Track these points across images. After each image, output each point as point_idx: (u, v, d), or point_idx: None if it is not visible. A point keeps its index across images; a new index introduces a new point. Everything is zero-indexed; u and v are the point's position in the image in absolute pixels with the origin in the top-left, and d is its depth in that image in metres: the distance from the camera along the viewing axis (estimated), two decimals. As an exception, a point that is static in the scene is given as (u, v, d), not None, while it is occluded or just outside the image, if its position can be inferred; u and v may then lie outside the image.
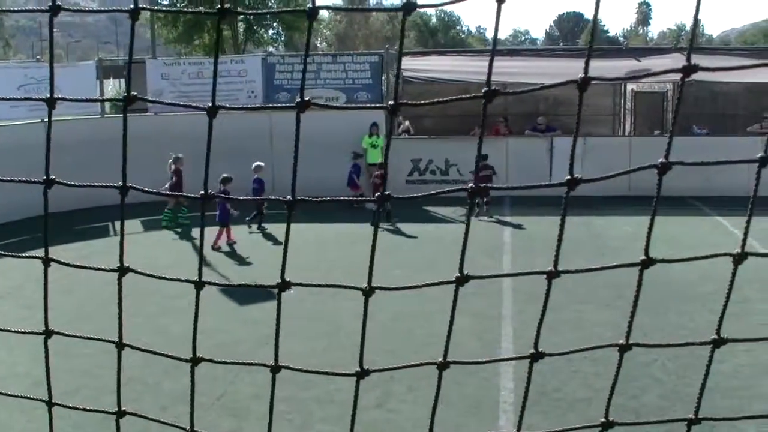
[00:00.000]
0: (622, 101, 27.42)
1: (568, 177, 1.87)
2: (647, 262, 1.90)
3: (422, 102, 2.10)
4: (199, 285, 2.21)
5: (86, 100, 2.45)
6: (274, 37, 55.51)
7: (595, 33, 1.94)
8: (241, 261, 16.38)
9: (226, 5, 2.02)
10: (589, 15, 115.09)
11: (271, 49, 52.25)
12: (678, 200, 18.59)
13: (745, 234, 1.86)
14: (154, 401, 9.16)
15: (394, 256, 15.71)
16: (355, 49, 71.69)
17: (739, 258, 1.84)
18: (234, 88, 23.10)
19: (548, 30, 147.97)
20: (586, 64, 1.83)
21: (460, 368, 9.85)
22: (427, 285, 2.18)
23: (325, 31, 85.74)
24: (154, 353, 2.40)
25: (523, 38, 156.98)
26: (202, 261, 2.38)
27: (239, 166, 19.02)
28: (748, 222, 1.88)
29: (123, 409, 2.41)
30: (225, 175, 16.89)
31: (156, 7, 38.44)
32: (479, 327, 11.78)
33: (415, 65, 25.35)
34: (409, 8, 1.89)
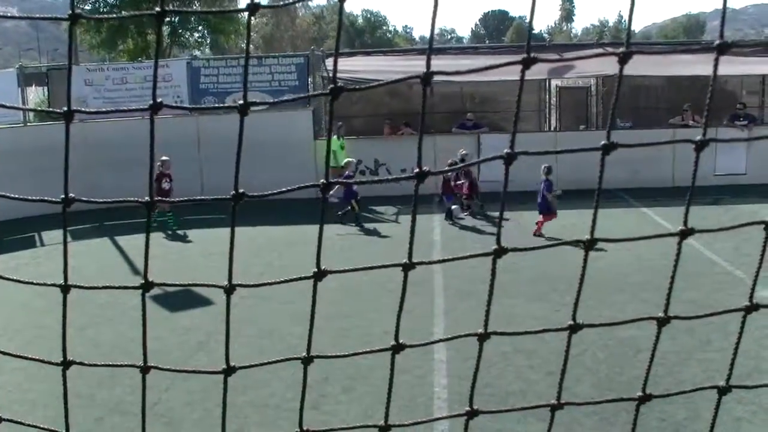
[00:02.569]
0: (548, 97, 27.77)
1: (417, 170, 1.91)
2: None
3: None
4: (147, 287, 2.22)
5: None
6: (200, 40, 54.99)
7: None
8: (175, 268, 16.22)
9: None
10: (514, 12, 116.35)
11: (196, 52, 51.75)
12: (606, 192, 18.84)
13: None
14: (89, 413, 9.06)
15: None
16: (282, 50, 71.49)
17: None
18: (159, 93, 22.57)
19: (474, 28, 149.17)
20: (428, 59, 1.89)
21: (396, 367, 9.87)
22: (285, 281, 2.19)
23: (252, 33, 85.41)
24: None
25: (449, 37, 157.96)
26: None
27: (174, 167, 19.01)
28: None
29: None
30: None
31: (92, 15, 37.81)
32: (412, 325, 11.87)
33: (342, 66, 25.29)
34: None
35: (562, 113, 27.83)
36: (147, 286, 2.24)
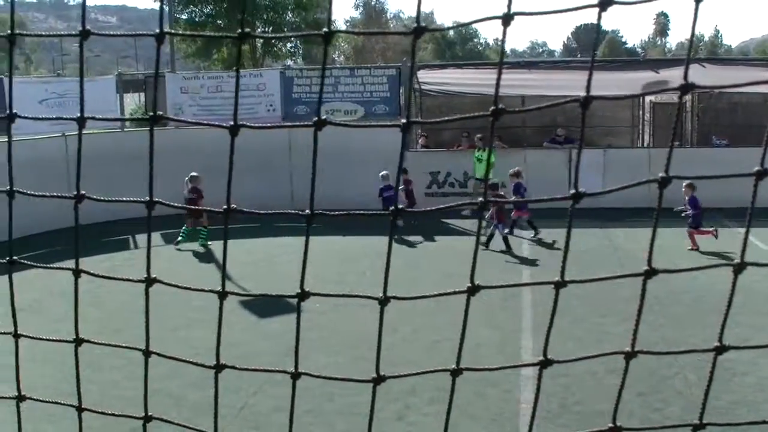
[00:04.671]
0: (641, 113, 27.33)
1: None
2: (650, 272, 1.93)
3: (432, 120, 2.13)
4: (223, 295, 2.25)
5: (113, 119, 2.52)
6: (292, 50, 55.68)
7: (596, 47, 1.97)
8: (262, 274, 16.39)
9: (246, 29, 2.06)
10: (607, 26, 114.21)
11: (289, 62, 52.38)
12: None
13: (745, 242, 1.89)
14: (179, 413, 9.18)
15: (417, 269, 15.77)
16: (373, 61, 71.84)
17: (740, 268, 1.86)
18: (253, 102, 23.19)
19: (566, 42, 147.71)
20: (588, 82, 1.86)
21: (482, 381, 9.86)
22: (439, 295, 2.21)
23: (342, 44, 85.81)
24: (181, 360, 2.44)
25: (540, 50, 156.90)
26: (225, 273, 2.41)
27: (263, 179, 19.18)
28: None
29: (150, 414, 2.46)
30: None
31: (180, 31, 38.49)
32: (501, 340, 11.81)
33: (432, 78, 25.37)
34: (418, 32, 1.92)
35: (655, 129, 27.33)
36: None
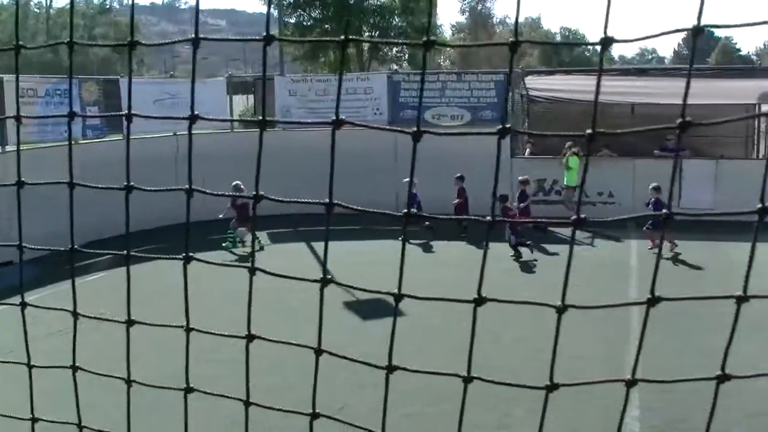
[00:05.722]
0: (756, 122, 26.49)
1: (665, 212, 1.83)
2: (742, 298, 1.85)
3: (534, 132, 2.08)
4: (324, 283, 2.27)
5: (224, 120, 2.54)
6: (398, 54, 55.87)
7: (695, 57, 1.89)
8: (361, 274, 16.42)
9: (351, 36, 2.06)
10: (720, 32, 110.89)
11: (395, 66, 52.61)
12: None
13: None
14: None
15: (522, 277, 15.71)
16: (478, 66, 71.51)
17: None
18: (359, 105, 23.35)
19: (676, 48, 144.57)
20: (683, 109, 1.79)
21: (586, 394, 9.62)
22: (444, 299, 2.17)
23: (448, 49, 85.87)
24: (352, 360, 2.46)
25: (650, 57, 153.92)
26: (325, 267, 2.42)
27: (368, 182, 19.29)
28: None
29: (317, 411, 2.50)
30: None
31: (288, 34, 39.04)
32: (605, 353, 11.62)
33: (540, 84, 25.13)
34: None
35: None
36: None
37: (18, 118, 3.24)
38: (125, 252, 2.53)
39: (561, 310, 1.98)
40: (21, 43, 2.74)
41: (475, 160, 21.00)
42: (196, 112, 2.29)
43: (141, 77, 42.91)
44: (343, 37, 2.12)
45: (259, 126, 2.29)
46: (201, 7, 2.43)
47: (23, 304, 2.84)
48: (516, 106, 23.86)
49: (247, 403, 2.54)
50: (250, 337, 2.44)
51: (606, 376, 2.05)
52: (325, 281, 2.30)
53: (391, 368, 2.24)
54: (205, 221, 19.48)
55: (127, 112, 2.54)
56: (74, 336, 2.77)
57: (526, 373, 10.31)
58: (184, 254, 2.41)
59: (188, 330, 2.58)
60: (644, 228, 18.38)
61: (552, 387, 2.06)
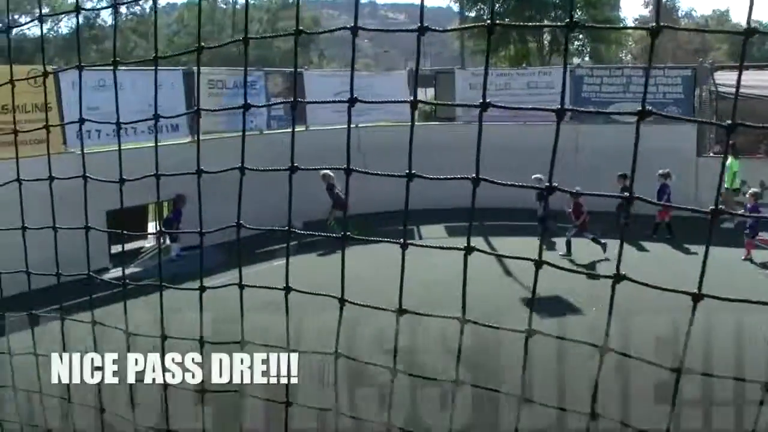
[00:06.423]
0: None
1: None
2: None
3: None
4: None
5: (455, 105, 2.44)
6: (580, 48, 54.84)
7: None
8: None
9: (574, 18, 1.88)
10: None
11: (576, 60, 51.64)
12: None
13: None
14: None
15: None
16: (662, 61, 69.44)
17: None
18: (541, 100, 22.93)
19: None
20: None
21: None
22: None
23: (630, 43, 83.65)
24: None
25: None
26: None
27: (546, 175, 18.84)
28: None
29: None
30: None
31: (468, 23, 38.99)
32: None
33: (730, 80, 23.96)
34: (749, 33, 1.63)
35: None
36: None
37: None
38: (343, 234, 2.84)
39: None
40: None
41: (660, 156, 20.31)
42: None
43: (322, 70, 43.70)
44: (567, 21, 1.93)
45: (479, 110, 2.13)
46: (380, 0, 2.53)
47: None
48: (704, 103, 22.89)
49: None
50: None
51: None
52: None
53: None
54: (381, 212, 19.65)
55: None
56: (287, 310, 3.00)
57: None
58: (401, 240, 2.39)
59: (400, 311, 2.73)
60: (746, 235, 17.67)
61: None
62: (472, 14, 48.02)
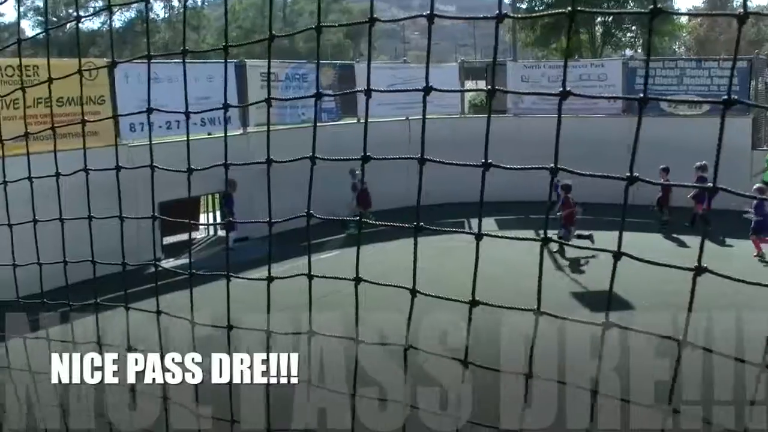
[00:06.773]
0: None
1: None
2: None
3: None
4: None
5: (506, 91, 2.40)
6: (633, 40, 54.21)
7: None
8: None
9: (658, 5, 1.85)
10: None
11: (628, 52, 51.07)
12: None
13: None
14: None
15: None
16: (717, 53, 68.44)
17: None
18: (593, 92, 22.73)
19: None
20: None
21: None
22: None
23: (684, 34, 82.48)
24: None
25: None
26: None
27: (598, 169, 18.69)
28: None
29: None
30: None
31: (518, 14, 38.83)
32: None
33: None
34: None
35: None
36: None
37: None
38: (415, 224, 2.86)
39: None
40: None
41: (715, 148, 19.89)
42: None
43: (373, 61, 43.77)
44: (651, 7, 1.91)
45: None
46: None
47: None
48: (758, 96, 22.47)
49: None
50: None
51: None
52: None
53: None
54: (437, 205, 19.58)
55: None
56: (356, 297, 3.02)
57: None
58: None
59: (414, 292, 2.80)
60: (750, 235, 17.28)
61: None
62: (524, 6, 47.67)
